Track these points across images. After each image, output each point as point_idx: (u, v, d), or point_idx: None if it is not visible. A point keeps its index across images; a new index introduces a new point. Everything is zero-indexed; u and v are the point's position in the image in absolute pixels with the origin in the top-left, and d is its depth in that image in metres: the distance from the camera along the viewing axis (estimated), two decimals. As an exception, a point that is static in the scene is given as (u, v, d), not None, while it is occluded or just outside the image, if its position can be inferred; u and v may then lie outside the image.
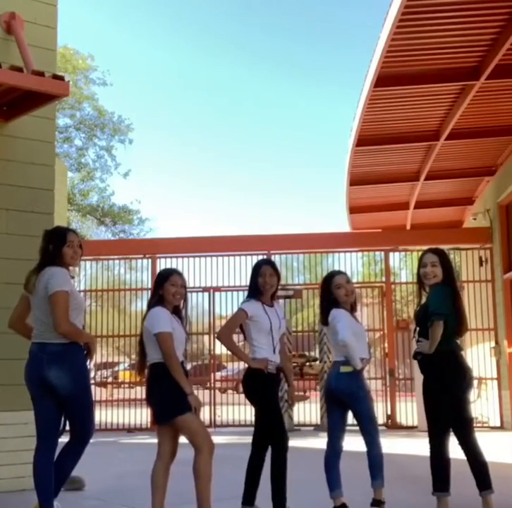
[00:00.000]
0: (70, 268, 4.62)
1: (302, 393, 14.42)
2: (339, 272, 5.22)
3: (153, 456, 4.55)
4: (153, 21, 56.48)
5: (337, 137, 62.01)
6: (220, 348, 12.12)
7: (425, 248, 5.06)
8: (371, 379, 14.23)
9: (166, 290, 4.59)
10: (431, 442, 4.78)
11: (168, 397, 4.42)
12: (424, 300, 4.94)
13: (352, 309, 5.06)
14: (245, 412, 11.75)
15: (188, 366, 4.79)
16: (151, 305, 4.61)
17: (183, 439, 4.54)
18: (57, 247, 4.43)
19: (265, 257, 12.63)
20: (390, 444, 9.69)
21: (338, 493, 4.89)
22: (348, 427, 5.08)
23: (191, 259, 13.58)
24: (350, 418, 5.01)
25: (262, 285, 4.93)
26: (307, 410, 13.23)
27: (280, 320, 4.96)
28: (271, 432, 4.80)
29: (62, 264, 4.43)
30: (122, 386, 15.49)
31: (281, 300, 13.31)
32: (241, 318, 4.92)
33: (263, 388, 4.84)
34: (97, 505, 5.70)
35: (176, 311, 4.65)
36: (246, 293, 5.09)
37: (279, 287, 5.18)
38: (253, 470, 4.86)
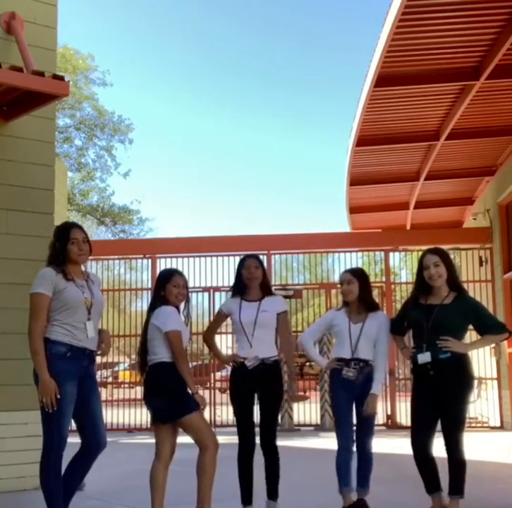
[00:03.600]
0: (82, 268, 4.58)
1: (302, 393, 14.41)
2: (345, 271, 5.25)
3: (153, 456, 4.55)
4: (153, 22, 56.48)
5: (337, 137, 62.04)
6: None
7: (425, 248, 5.03)
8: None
9: (169, 291, 4.60)
10: (457, 447, 4.65)
11: (176, 396, 4.43)
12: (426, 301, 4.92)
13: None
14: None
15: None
16: (154, 306, 4.62)
17: (180, 440, 4.54)
18: (62, 244, 4.41)
19: (265, 257, 12.62)
20: (390, 444, 9.69)
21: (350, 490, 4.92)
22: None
23: (191, 259, 13.57)
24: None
25: (246, 277, 4.93)
26: (307, 410, 13.21)
27: (258, 313, 4.88)
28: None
29: (67, 262, 4.41)
30: (122, 386, 15.49)
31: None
32: (219, 317, 5.13)
33: (231, 384, 4.95)
34: (97, 505, 5.70)
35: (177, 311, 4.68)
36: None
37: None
38: (240, 469, 4.89)
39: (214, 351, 5.23)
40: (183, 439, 4.56)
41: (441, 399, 4.66)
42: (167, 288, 4.60)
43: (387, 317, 5.24)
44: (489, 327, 4.81)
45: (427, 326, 4.72)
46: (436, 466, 4.71)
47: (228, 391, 5.01)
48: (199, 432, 4.45)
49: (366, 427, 4.92)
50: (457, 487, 4.63)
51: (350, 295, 5.02)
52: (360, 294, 5.03)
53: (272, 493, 4.83)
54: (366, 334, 4.95)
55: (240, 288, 4.99)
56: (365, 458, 4.89)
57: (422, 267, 4.83)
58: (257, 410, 4.88)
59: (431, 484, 4.72)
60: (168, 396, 4.44)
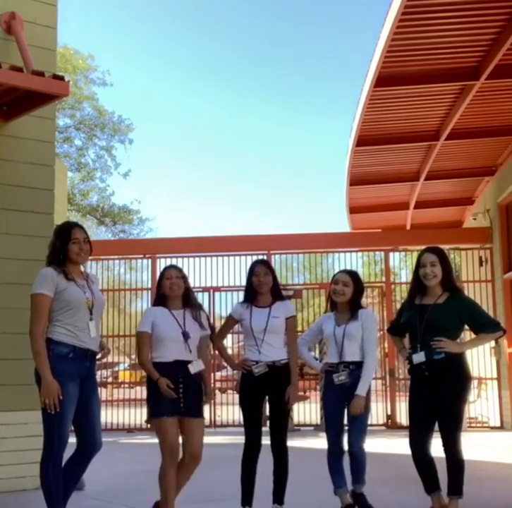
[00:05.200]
0: (82, 268, 4.57)
1: (302, 393, 14.40)
2: (343, 271, 5.25)
3: (153, 456, 4.55)
4: (153, 23, 56.48)
5: (337, 137, 62.04)
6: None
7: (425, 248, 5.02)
8: (373, 379, 14.21)
9: (164, 286, 4.65)
10: (455, 447, 4.63)
11: (149, 399, 4.55)
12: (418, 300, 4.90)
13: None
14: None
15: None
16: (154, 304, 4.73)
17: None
18: (62, 244, 4.41)
19: (265, 257, 12.63)
20: (390, 444, 9.69)
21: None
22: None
23: (191, 259, 13.57)
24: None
25: (256, 284, 4.95)
26: (307, 410, 13.21)
27: (269, 320, 4.90)
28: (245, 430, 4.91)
29: (67, 261, 4.41)
30: (122, 386, 15.50)
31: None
32: (229, 323, 5.17)
33: (241, 387, 4.99)
34: (97, 505, 5.70)
35: (188, 304, 4.68)
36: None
37: (280, 287, 5.17)
38: (243, 470, 4.89)
39: (224, 355, 5.23)
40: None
41: (438, 399, 4.65)
42: (162, 284, 4.67)
43: (371, 314, 5.25)
44: (483, 325, 4.78)
45: (421, 326, 4.71)
46: (435, 466, 4.71)
47: (238, 394, 5.06)
48: (159, 440, 4.48)
49: (356, 428, 4.91)
50: (456, 488, 4.62)
51: (341, 297, 5.02)
52: (350, 298, 5.03)
53: (279, 498, 4.85)
54: (349, 335, 4.95)
55: (250, 295, 5.02)
56: (356, 457, 4.89)
57: (419, 264, 4.83)
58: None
59: (430, 484, 4.72)
60: (147, 397, 4.60)
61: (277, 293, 5.05)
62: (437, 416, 4.69)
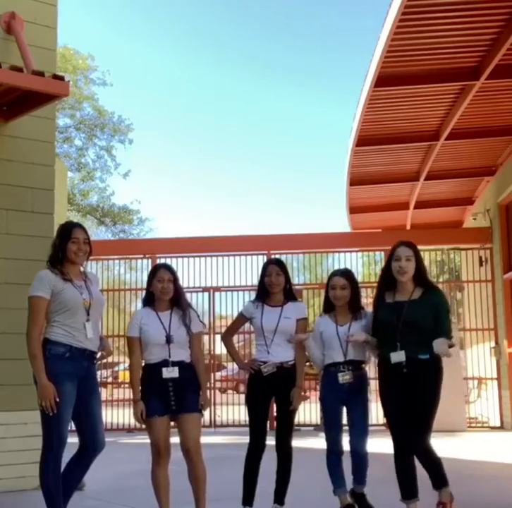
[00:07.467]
0: (81, 269, 4.58)
1: (302, 393, 14.42)
2: (337, 274, 5.17)
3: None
4: (153, 23, 56.44)
5: (337, 137, 62.01)
6: (220, 348, 12.09)
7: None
8: (371, 379, 14.16)
9: (154, 287, 4.61)
10: (427, 445, 4.58)
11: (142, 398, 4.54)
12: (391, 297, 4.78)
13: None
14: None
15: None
16: (143, 304, 4.70)
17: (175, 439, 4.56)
18: (62, 242, 4.43)
19: (265, 257, 12.63)
20: (390, 444, 9.68)
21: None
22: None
23: (191, 259, 13.57)
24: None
25: (268, 284, 4.96)
26: (307, 410, 13.20)
27: (280, 320, 4.89)
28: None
29: (65, 261, 4.42)
30: (122, 386, 15.50)
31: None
32: (239, 320, 5.16)
33: (248, 387, 5.01)
34: (97, 505, 5.70)
35: (176, 305, 4.62)
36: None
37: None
38: (246, 470, 4.89)
39: (232, 353, 5.20)
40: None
41: (414, 397, 4.51)
42: (153, 284, 4.62)
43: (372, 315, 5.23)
44: (441, 331, 4.53)
45: (399, 324, 4.56)
46: (415, 468, 4.65)
47: (238, 393, 5.09)
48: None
49: (358, 428, 4.90)
50: (439, 480, 4.59)
51: (342, 300, 4.99)
52: (350, 298, 5.00)
53: (280, 498, 4.87)
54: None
55: (262, 294, 5.01)
56: (359, 458, 4.88)
57: (392, 258, 4.69)
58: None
59: (411, 488, 4.65)
60: None
61: (290, 293, 5.05)
62: (411, 413, 4.54)
